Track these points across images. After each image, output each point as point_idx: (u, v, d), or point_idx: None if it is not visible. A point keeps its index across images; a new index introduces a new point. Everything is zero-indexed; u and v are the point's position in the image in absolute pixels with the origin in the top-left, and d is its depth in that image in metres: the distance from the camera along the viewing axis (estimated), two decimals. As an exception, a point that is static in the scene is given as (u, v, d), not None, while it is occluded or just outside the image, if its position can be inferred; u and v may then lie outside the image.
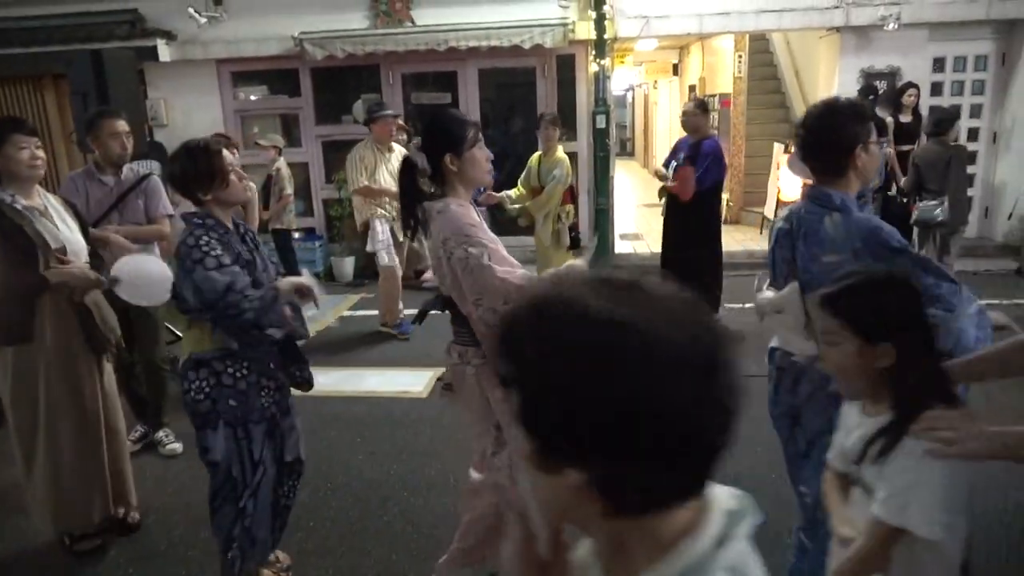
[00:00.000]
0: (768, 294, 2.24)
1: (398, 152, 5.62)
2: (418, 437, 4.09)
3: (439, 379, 4.94)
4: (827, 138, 2.06)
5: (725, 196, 10.38)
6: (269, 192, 6.92)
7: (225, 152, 2.48)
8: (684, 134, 5.90)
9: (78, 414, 2.92)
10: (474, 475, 2.50)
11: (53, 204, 2.95)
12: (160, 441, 3.94)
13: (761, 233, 9.17)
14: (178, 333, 5.16)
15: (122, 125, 3.67)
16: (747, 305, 6.32)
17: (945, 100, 8.18)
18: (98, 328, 2.95)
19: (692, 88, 12.78)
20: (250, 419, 2.50)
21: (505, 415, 2.25)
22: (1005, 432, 1.34)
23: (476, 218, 2.25)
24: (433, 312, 2.58)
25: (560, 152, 5.86)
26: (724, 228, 9.82)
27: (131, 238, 3.56)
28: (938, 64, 8.15)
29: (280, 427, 2.64)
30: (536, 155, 5.96)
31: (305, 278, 2.65)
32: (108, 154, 3.65)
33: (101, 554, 3.06)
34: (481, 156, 2.33)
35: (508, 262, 2.17)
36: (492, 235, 2.24)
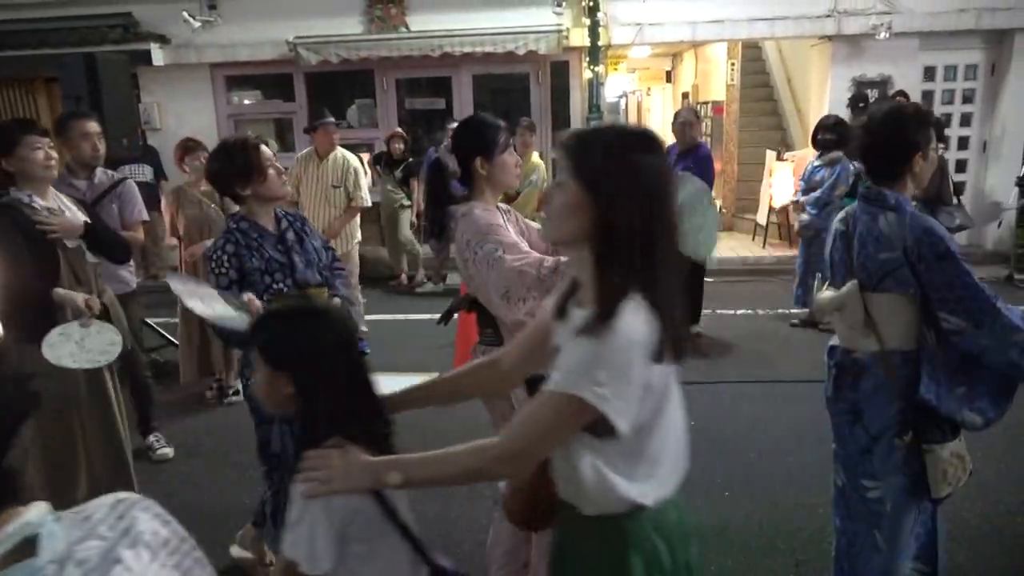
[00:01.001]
0: (827, 294, 2.27)
1: (337, 157, 5.51)
2: (411, 442, 4.06)
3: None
4: (889, 141, 2.11)
5: (718, 203, 10.45)
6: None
7: (263, 148, 2.53)
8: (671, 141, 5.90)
9: (102, 412, 2.93)
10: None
11: (66, 204, 2.96)
12: (151, 446, 3.91)
13: (753, 240, 9.21)
14: (170, 338, 5.16)
15: (93, 126, 3.61)
16: (739, 312, 6.38)
17: (936, 109, 8.24)
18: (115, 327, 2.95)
19: (685, 95, 12.83)
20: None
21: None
22: (374, 462, 1.43)
23: (500, 220, 2.25)
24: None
25: (536, 157, 5.89)
26: (717, 235, 9.94)
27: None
28: (929, 73, 8.22)
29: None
30: None
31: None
32: (79, 156, 3.59)
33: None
34: (511, 161, 2.33)
35: (521, 252, 2.15)
36: (514, 236, 2.23)
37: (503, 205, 2.38)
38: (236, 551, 2.92)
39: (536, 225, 2.45)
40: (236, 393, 4.72)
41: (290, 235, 2.58)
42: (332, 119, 5.72)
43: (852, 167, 5.47)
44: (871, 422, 2.15)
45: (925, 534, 2.23)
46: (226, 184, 2.51)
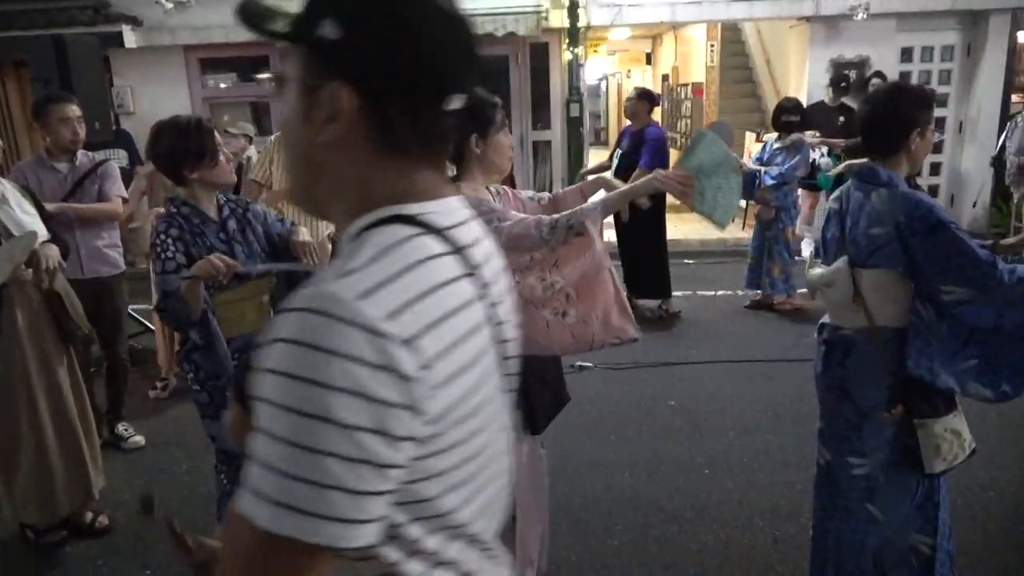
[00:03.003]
0: (819, 271, 2.28)
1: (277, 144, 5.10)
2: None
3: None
4: (887, 116, 2.13)
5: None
6: (240, 181, 6.83)
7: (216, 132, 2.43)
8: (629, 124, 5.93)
9: (56, 405, 2.86)
10: None
11: (9, 190, 2.85)
12: (121, 435, 3.85)
13: (733, 221, 9.24)
14: (148, 324, 5.10)
15: (73, 110, 3.49)
16: (719, 293, 6.41)
17: (913, 90, 8.31)
18: (69, 316, 2.88)
19: (665, 77, 12.83)
20: None
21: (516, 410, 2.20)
22: None
23: (493, 203, 2.14)
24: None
25: None
26: (697, 216, 9.97)
27: (82, 216, 3.46)
28: (906, 54, 8.26)
29: None
30: None
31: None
32: (58, 141, 3.47)
33: (67, 548, 3.01)
34: (506, 142, 2.23)
35: (515, 216, 2.07)
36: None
37: (494, 187, 2.26)
38: None
39: (527, 194, 2.34)
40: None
41: (232, 223, 2.48)
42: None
43: (813, 153, 5.54)
44: (860, 398, 2.16)
45: (932, 507, 2.20)
46: (173, 165, 2.38)
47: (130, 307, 4.97)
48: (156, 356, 4.64)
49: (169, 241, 2.34)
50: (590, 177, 2.63)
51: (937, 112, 8.20)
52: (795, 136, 5.63)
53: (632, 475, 3.41)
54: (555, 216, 2.01)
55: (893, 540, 2.19)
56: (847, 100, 7.42)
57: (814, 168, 6.61)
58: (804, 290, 6.30)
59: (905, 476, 2.16)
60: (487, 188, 2.22)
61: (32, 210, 2.88)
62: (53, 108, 3.43)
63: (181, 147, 2.35)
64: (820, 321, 2.35)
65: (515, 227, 2.01)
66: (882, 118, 2.15)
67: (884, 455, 2.15)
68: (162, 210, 3.14)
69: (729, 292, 6.42)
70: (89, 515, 3.08)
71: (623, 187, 2.18)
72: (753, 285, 5.91)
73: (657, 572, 2.71)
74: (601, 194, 2.27)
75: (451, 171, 2.23)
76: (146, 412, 4.33)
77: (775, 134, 5.89)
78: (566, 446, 3.55)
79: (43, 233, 2.86)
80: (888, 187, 2.08)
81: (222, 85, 8.88)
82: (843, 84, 7.42)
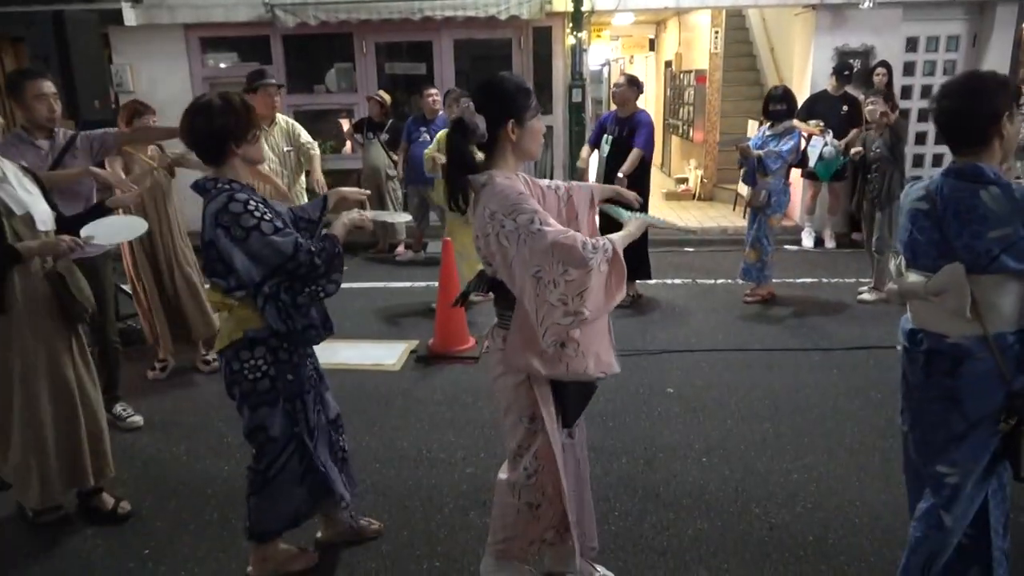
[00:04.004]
0: (915, 278, 2.12)
1: (280, 121, 4.95)
2: (390, 410, 4.07)
3: (412, 351, 4.93)
4: (971, 108, 2.02)
5: (699, 172, 10.45)
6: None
7: None
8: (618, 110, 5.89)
9: (55, 384, 2.84)
10: (499, 474, 2.42)
11: (9, 168, 2.81)
12: (119, 416, 3.85)
13: (734, 210, 9.23)
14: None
15: (48, 86, 3.39)
16: (719, 281, 6.40)
17: (917, 80, 8.26)
18: (73, 296, 2.85)
19: (668, 64, 12.75)
20: (304, 390, 2.51)
21: (547, 403, 2.19)
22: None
23: (523, 188, 2.12)
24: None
25: None
26: (697, 204, 9.97)
27: (59, 182, 3.40)
28: (911, 44, 8.20)
29: (319, 389, 2.63)
30: (444, 132, 5.85)
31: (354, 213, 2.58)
32: (34, 118, 3.38)
33: (64, 525, 3.01)
34: (539, 127, 2.19)
35: (557, 225, 2.04)
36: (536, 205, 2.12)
37: (521, 174, 2.23)
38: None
39: (544, 183, 2.30)
40: (216, 360, 4.67)
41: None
42: (274, 79, 5.03)
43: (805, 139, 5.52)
44: (972, 409, 2.06)
45: (996, 506, 2.17)
46: (217, 142, 2.33)
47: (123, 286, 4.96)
48: (149, 338, 4.62)
49: (262, 204, 2.31)
50: (593, 183, 2.61)
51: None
52: (786, 123, 5.61)
53: (629, 461, 3.41)
54: (595, 239, 2.02)
55: (949, 544, 2.17)
56: (851, 89, 7.39)
57: (805, 157, 6.59)
58: (778, 280, 6.29)
59: (983, 484, 2.12)
60: (517, 175, 2.19)
61: (34, 189, 2.85)
62: (28, 85, 3.33)
63: (230, 123, 2.32)
64: (908, 327, 2.22)
65: (561, 237, 1.98)
66: (966, 111, 2.03)
67: (981, 465, 2.08)
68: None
69: (729, 281, 6.41)
70: (111, 500, 3.08)
71: (628, 232, 2.20)
72: (754, 277, 5.90)
73: (653, 558, 2.72)
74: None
75: (481, 156, 2.19)
76: (145, 393, 4.34)
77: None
78: (564, 432, 3.55)
79: (48, 212, 2.84)
80: (999, 184, 1.96)
81: (222, 64, 8.82)
82: (847, 73, 7.38)
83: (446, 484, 3.27)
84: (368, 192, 2.98)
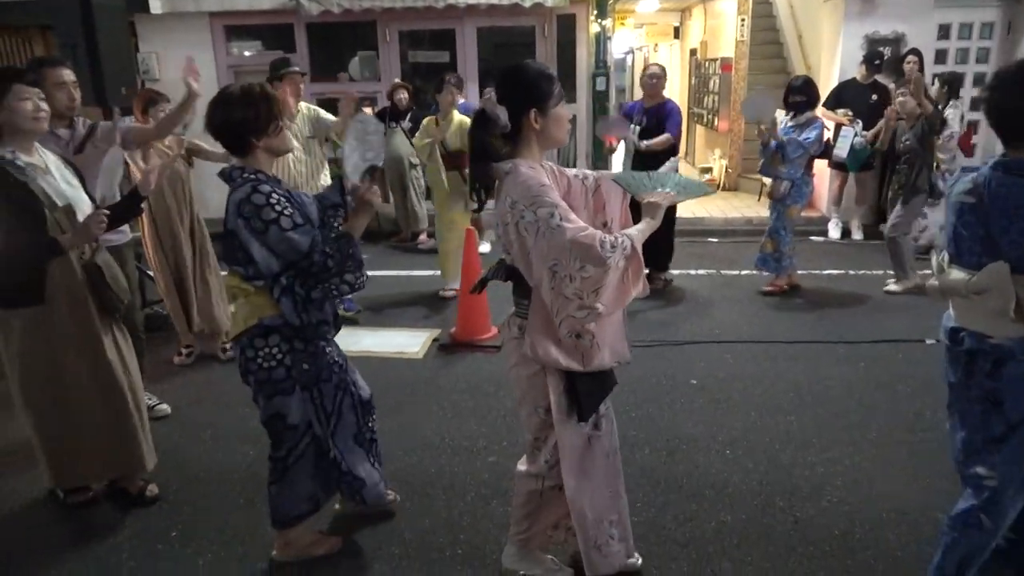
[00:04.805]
0: (957, 274, 2.06)
1: (303, 108, 5.00)
2: (413, 397, 4.09)
3: (435, 340, 4.94)
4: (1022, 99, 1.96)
5: (724, 162, 10.34)
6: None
7: None
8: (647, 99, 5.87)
9: (94, 374, 2.87)
10: (518, 466, 2.42)
11: (52, 160, 2.84)
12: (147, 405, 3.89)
13: (759, 200, 9.12)
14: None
15: (67, 74, 3.35)
16: (743, 272, 6.34)
17: (949, 68, 8.06)
18: (109, 288, 2.88)
19: (693, 52, 12.62)
20: (322, 378, 2.52)
21: (560, 395, 2.18)
22: None
23: (547, 180, 2.09)
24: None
25: (458, 115, 5.77)
26: (722, 195, 9.87)
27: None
28: (943, 31, 8.02)
29: (343, 374, 2.64)
30: (431, 118, 5.82)
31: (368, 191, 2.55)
32: (54, 106, 3.23)
33: (94, 507, 3.06)
34: (564, 115, 2.18)
35: (578, 221, 2.03)
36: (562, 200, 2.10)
37: (548, 163, 2.22)
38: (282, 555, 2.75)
39: (572, 172, 2.28)
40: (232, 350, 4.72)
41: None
42: (298, 67, 5.09)
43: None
44: (1013, 411, 2.02)
45: None
46: (239, 134, 2.34)
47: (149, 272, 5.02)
48: (173, 326, 4.65)
49: (284, 199, 2.31)
50: (607, 172, 2.58)
51: (974, 91, 8.06)
52: (807, 114, 5.51)
53: (652, 452, 3.40)
54: (614, 235, 2.01)
55: (988, 546, 2.14)
56: (880, 78, 7.26)
57: (830, 147, 6.47)
58: (802, 271, 6.21)
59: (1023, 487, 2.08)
60: (542, 165, 2.18)
61: (75, 180, 2.88)
62: (48, 73, 3.27)
63: (250, 116, 2.32)
64: (949, 325, 2.16)
65: (581, 234, 1.97)
66: (1018, 102, 1.97)
67: (1022, 469, 2.05)
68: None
69: (753, 272, 6.34)
70: (139, 483, 3.11)
71: (647, 224, 2.16)
72: (774, 269, 5.83)
73: (675, 550, 2.71)
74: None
75: (506, 146, 2.17)
76: (169, 379, 4.39)
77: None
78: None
79: (87, 203, 2.86)
80: None
81: (247, 53, 8.85)
82: (877, 61, 7.24)
83: (468, 472, 3.28)
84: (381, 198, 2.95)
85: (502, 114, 2.11)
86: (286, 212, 2.28)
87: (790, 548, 2.71)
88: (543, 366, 2.17)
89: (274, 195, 2.29)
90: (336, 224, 2.60)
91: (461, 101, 7.01)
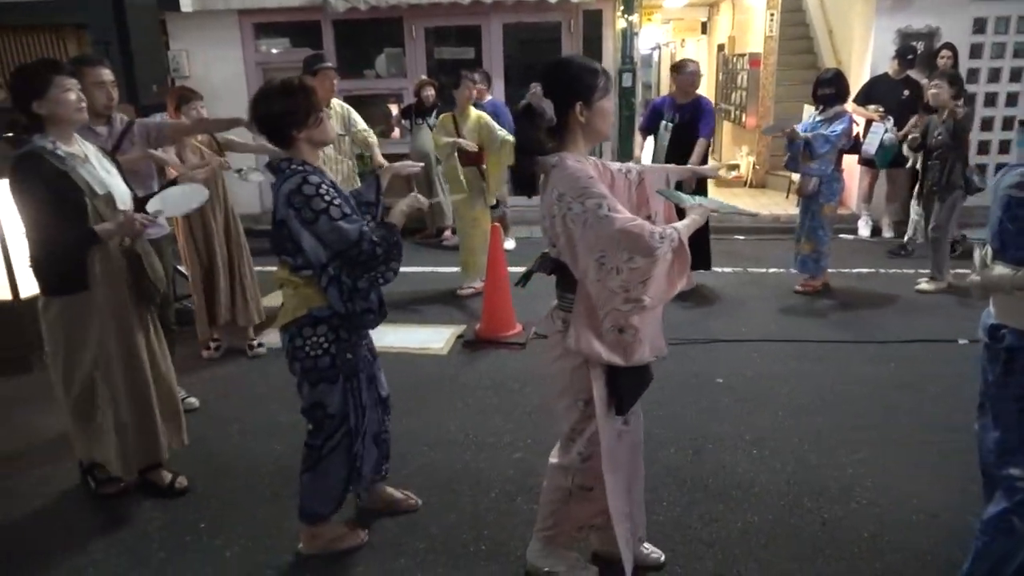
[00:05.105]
0: (1001, 270, 2.03)
1: (335, 104, 5.14)
2: (438, 393, 4.10)
3: (459, 336, 4.95)
4: None
5: (751, 159, 10.23)
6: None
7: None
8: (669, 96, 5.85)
9: (131, 361, 2.92)
10: (551, 459, 2.43)
11: (91, 150, 2.89)
12: None
13: (787, 198, 9.02)
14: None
15: (106, 74, 3.43)
16: (770, 271, 6.27)
17: (984, 63, 7.90)
18: (147, 276, 2.94)
19: (721, 47, 12.49)
20: (359, 369, 2.58)
21: (603, 388, 2.19)
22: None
23: (592, 172, 2.10)
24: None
25: (475, 111, 5.76)
26: (749, 192, 9.77)
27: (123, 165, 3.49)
28: (979, 25, 7.84)
29: (372, 369, 2.71)
30: (448, 115, 5.82)
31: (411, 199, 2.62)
32: (93, 104, 3.26)
33: (125, 498, 3.12)
34: (609, 107, 2.18)
35: (626, 212, 2.04)
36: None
37: (592, 157, 2.23)
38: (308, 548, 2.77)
39: (617, 166, 2.29)
40: (261, 346, 4.77)
41: None
42: (331, 63, 5.21)
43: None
44: None
45: None
46: (280, 126, 2.40)
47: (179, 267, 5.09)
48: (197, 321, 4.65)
49: (332, 188, 2.37)
50: (668, 165, 2.59)
51: (1010, 87, 7.89)
52: (836, 108, 5.42)
53: (678, 451, 3.37)
54: (662, 227, 2.02)
55: (1017, 552, 2.10)
56: (913, 73, 7.12)
57: (859, 143, 6.36)
58: (833, 270, 6.11)
59: None
60: (587, 158, 2.19)
61: (113, 169, 2.94)
62: (87, 71, 3.31)
63: (288, 108, 2.37)
64: (989, 321, 2.13)
65: (630, 224, 1.98)
66: None
67: None
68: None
69: (780, 270, 6.28)
70: (168, 475, 3.16)
71: (693, 219, 2.17)
72: (805, 268, 5.73)
73: (701, 549, 2.69)
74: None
75: (551, 140, 2.18)
76: (197, 373, 4.45)
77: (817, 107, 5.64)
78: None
79: (127, 192, 2.91)
80: None
81: (274, 50, 8.93)
82: (910, 56, 7.10)
83: (493, 469, 3.28)
84: (421, 164, 3.02)
85: (548, 108, 2.12)
86: (335, 202, 2.33)
87: (818, 550, 2.68)
88: (585, 359, 2.17)
89: (323, 186, 2.34)
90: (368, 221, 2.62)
91: (488, 98, 7.02)
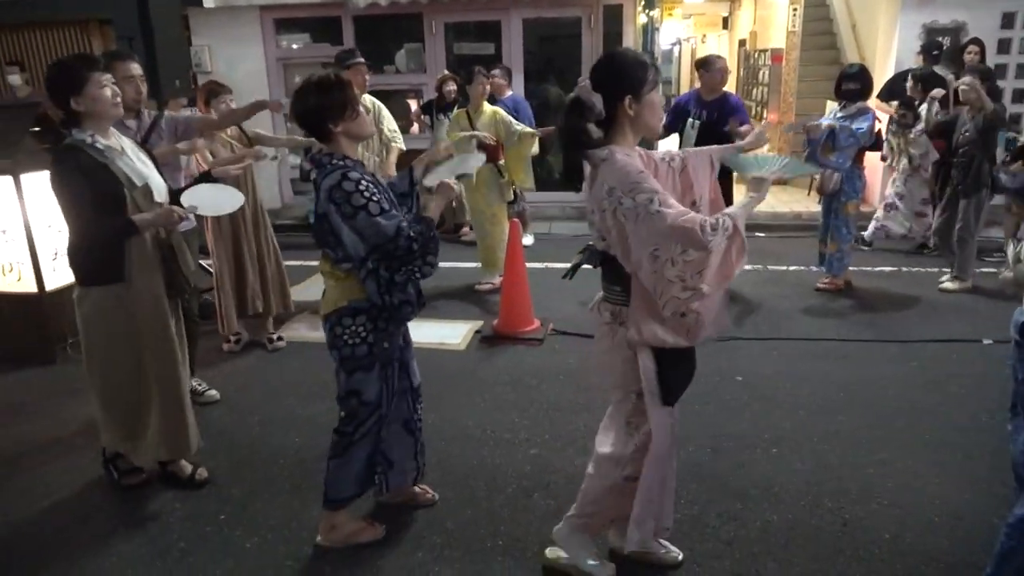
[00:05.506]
0: None
1: (365, 100, 5.19)
2: (455, 389, 4.11)
3: (477, 331, 4.95)
4: None
5: (773, 154, 10.14)
6: (312, 141, 6.92)
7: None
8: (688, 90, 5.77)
9: (165, 354, 2.96)
10: (600, 449, 2.43)
11: (127, 143, 2.94)
12: (195, 391, 3.95)
13: (808, 195, 8.93)
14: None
15: (135, 68, 3.49)
16: (791, 268, 6.22)
17: (1013, 58, 7.77)
18: (180, 270, 2.98)
19: (742, 43, 12.40)
20: (394, 357, 2.62)
21: (651, 379, 2.19)
22: None
23: (641, 165, 2.11)
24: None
25: (489, 106, 5.74)
26: (771, 188, 9.66)
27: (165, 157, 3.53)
28: (1007, 20, 7.70)
29: (405, 357, 2.75)
30: (462, 111, 5.81)
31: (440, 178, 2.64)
32: (123, 99, 3.25)
33: (146, 489, 3.15)
34: (658, 101, 2.17)
35: (677, 206, 2.04)
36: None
37: (640, 149, 2.23)
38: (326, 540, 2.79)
39: (660, 154, 2.29)
40: (280, 340, 4.80)
41: None
42: (362, 59, 5.29)
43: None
44: None
45: None
46: (318, 120, 2.42)
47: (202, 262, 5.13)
48: (217, 315, 4.67)
49: (371, 184, 2.40)
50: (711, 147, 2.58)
51: (1039, 83, 7.74)
52: (859, 104, 5.33)
53: (696, 449, 3.36)
54: (715, 217, 2.02)
55: None
56: (939, 69, 7.01)
57: (881, 140, 6.27)
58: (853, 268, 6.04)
59: None
60: (635, 151, 2.19)
61: (148, 161, 2.98)
62: (117, 66, 3.38)
63: (325, 103, 2.39)
64: (1020, 319, 2.10)
65: (682, 219, 1.99)
66: None
67: None
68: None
69: (802, 267, 6.23)
70: (188, 467, 3.20)
71: (751, 197, 2.17)
72: (831, 266, 5.66)
73: (719, 548, 2.68)
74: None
75: (599, 133, 2.19)
76: (218, 366, 4.49)
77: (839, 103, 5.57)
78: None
79: (163, 184, 2.96)
80: None
81: (295, 46, 8.97)
82: (936, 52, 6.99)
83: (510, 465, 3.28)
84: (453, 149, 3.06)
85: (597, 101, 2.13)
86: (374, 198, 2.35)
87: (838, 550, 2.65)
88: (635, 349, 2.18)
89: (363, 182, 2.37)
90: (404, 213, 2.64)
91: (508, 93, 7.01)
